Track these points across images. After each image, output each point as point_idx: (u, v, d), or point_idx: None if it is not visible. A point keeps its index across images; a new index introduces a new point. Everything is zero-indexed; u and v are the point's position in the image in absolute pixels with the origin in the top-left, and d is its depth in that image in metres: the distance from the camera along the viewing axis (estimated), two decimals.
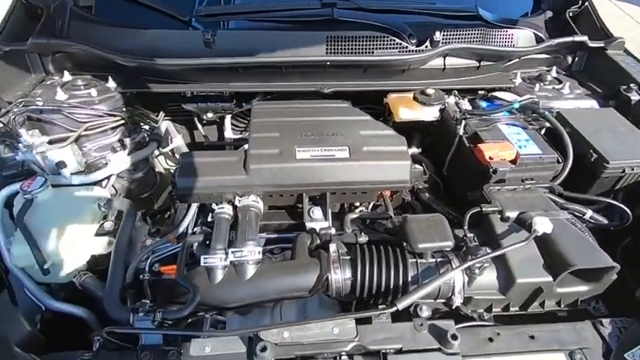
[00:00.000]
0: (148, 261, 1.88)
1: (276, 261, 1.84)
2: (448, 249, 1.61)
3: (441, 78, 2.42)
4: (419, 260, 1.53)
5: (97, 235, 1.79)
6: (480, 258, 1.52)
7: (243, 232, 1.68)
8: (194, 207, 2.02)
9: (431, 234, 1.53)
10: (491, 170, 1.93)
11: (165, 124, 2.61)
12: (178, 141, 2.83)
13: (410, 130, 2.29)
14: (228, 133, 2.74)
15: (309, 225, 1.86)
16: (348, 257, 1.65)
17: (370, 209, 2.08)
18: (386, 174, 1.84)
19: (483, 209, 1.75)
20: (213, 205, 1.86)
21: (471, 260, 1.53)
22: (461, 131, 2.17)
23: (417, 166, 2.01)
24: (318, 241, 1.77)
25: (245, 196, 1.84)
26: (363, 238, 1.78)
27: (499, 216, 1.79)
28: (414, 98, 2.32)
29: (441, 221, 1.56)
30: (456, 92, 2.44)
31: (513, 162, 2.01)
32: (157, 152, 2.38)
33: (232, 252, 1.65)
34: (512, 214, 1.78)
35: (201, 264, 1.64)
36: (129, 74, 2.12)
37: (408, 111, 2.34)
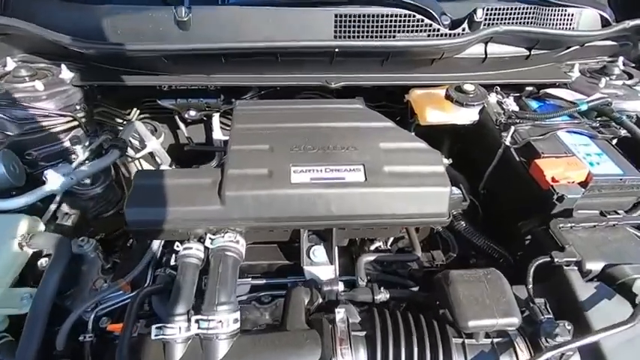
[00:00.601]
0: (94, 314, 1.35)
1: (265, 313, 1.32)
2: (512, 328, 1.06)
3: (479, 70, 1.85)
4: (466, 341, 0.98)
5: (13, 286, 1.26)
6: (562, 347, 0.96)
7: (215, 292, 1.14)
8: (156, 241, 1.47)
9: (486, 305, 0.99)
10: (555, 197, 1.37)
11: (134, 126, 2.06)
12: (153, 145, 2.28)
13: (435, 135, 1.73)
14: (217, 134, 2.22)
15: (308, 270, 1.32)
16: (363, 333, 1.10)
17: (390, 244, 1.53)
18: (417, 205, 1.30)
19: (556, 259, 1.19)
20: (177, 245, 1.31)
21: (548, 350, 0.98)
22: (508, 140, 1.60)
23: (455, 189, 1.44)
24: (320, 300, 1.22)
25: (220, 233, 1.29)
26: (383, 296, 1.23)
27: (575, 268, 1.22)
28: (447, 96, 1.75)
29: (500, 284, 1.02)
30: (498, 89, 1.85)
31: (583, 185, 1.44)
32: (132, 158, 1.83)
33: (197, 321, 1.12)
34: (596, 267, 1.23)
35: (153, 336, 1.10)
36: (88, 62, 1.74)
37: (437, 112, 1.77)
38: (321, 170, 1.35)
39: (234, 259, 1.30)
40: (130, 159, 2.25)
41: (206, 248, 1.33)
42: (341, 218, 1.34)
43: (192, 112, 2.19)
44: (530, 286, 1.17)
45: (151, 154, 2.28)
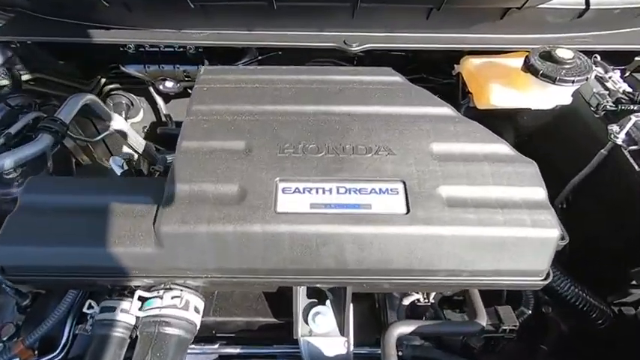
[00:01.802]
0: None
1: None
2: None
3: (572, 30, 1.18)
4: None
5: None
6: None
7: None
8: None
9: None
10: None
11: (82, 99, 1.45)
12: (119, 124, 1.66)
13: (486, 122, 1.04)
14: None
15: (306, 342, 0.75)
16: None
17: (432, 299, 0.92)
18: (497, 258, 0.72)
19: None
20: (90, 305, 0.73)
21: None
22: (621, 137, 0.96)
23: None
24: None
25: (158, 289, 0.70)
26: None
27: None
28: (528, 67, 1.10)
29: None
30: (598, 58, 1.19)
31: None
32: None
33: None
34: None
35: None
36: (18, 10, 1.31)
37: (507, 91, 1.13)
38: (329, 190, 0.74)
39: (177, 339, 0.72)
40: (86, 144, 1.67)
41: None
42: (362, 273, 0.74)
43: (169, 84, 1.65)
44: None
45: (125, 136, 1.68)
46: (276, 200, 0.74)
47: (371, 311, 1.01)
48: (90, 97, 1.49)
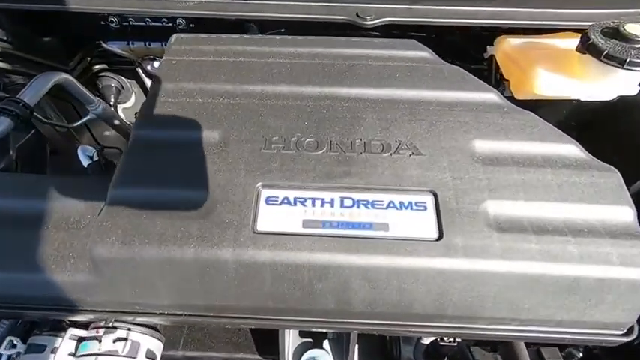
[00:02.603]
0: None
1: None
2: None
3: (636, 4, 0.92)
4: None
5: None
6: None
7: None
8: None
9: None
10: None
11: (54, 78, 1.23)
12: (102, 108, 1.45)
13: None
14: None
15: None
16: None
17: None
18: (568, 306, 0.46)
19: None
20: (4, 347, 0.51)
21: None
22: None
23: None
24: None
25: (95, 328, 0.48)
26: None
27: None
28: (587, 45, 0.84)
29: None
30: None
31: None
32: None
33: None
34: None
35: None
36: None
37: (560, 77, 0.87)
38: (330, 202, 0.52)
39: None
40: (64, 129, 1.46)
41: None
42: (374, 316, 0.52)
43: (158, 64, 1.38)
44: None
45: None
46: (256, 215, 0.52)
47: (380, 346, 0.80)
48: (63, 77, 1.27)
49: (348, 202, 0.54)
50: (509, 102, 0.65)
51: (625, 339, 0.54)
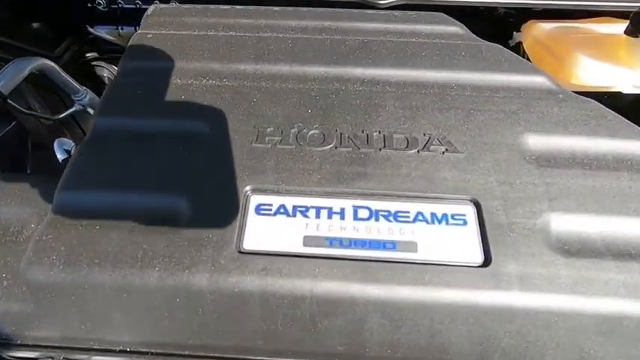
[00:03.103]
0: None
1: None
2: None
3: None
4: None
5: None
6: None
7: None
8: None
9: None
10: None
11: (31, 65, 1.11)
12: (90, 98, 1.32)
13: None
14: None
15: None
16: None
17: None
18: None
19: None
20: None
21: None
22: None
23: None
24: None
25: None
26: None
27: None
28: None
29: None
30: None
31: None
32: None
33: None
34: None
35: None
36: None
37: (605, 66, 0.72)
38: (340, 212, 0.38)
39: None
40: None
41: None
42: None
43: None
44: None
45: None
46: (243, 228, 0.39)
47: None
48: (42, 62, 1.15)
49: (363, 213, 0.41)
50: (564, 88, 0.52)
51: None
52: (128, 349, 0.43)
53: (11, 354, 0.45)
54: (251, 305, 0.38)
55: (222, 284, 0.37)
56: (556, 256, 0.38)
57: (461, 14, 0.96)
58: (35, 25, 1.23)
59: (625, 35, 0.79)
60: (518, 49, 0.98)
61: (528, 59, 0.94)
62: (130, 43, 0.56)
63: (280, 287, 0.37)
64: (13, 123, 1.22)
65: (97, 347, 0.43)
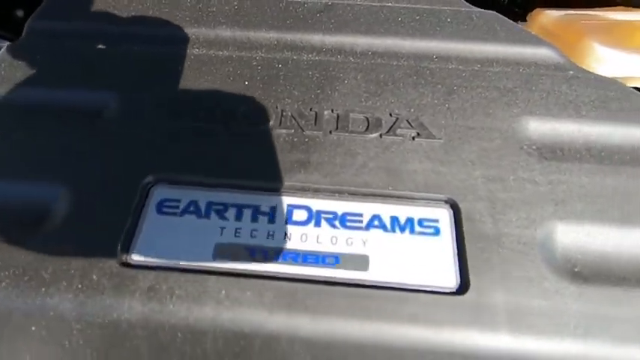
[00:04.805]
0: None
1: None
2: None
3: None
4: None
5: None
6: None
7: None
8: None
9: None
10: None
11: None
12: None
13: None
14: None
15: None
16: None
17: None
18: None
19: None
20: None
21: None
22: None
23: None
24: None
25: None
26: None
27: None
28: None
29: None
30: None
31: None
32: None
33: None
34: None
35: None
36: None
37: (620, 54, 0.61)
38: (268, 212, 0.27)
39: None
40: None
41: None
42: None
43: None
44: None
45: None
46: (136, 232, 0.29)
47: None
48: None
49: (300, 215, 0.30)
50: (571, 62, 0.41)
51: None
52: None
53: None
54: (131, 340, 0.27)
55: (90, 309, 0.27)
56: (562, 281, 0.27)
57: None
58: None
59: None
60: None
61: None
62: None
63: (171, 315, 0.26)
64: None
65: None
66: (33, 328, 0.28)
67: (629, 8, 0.75)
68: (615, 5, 0.79)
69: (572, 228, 0.29)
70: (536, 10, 0.83)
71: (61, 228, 0.29)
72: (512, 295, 0.27)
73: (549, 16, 0.80)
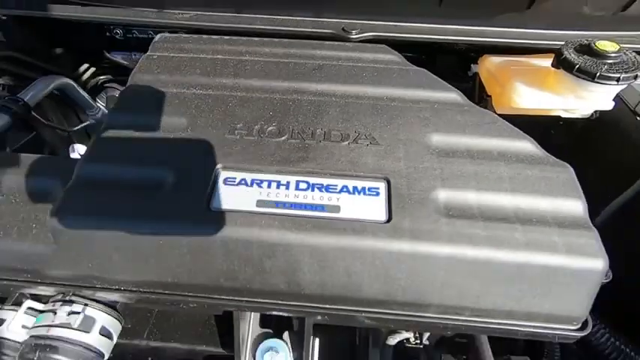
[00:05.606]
0: None
1: None
2: None
3: (612, 27, 0.95)
4: None
5: None
6: None
7: None
8: None
9: None
10: None
11: (55, 82, 1.29)
12: (102, 114, 1.50)
13: None
14: None
15: None
16: None
17: (425, 340, 0.68)
18: (517, 295, 0.45)
19: None
20: None
21: None
22: None
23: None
24: None
25: (56, 299, 0.49)
26: None
27: None
28: (561, 60, 0.87)
29: None
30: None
31: None
32: None
33: None
34: None
35: None
36: None
37: (536, 91, 0.89)
38: (286, 184, 0.53)
39: None
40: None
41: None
42: (324, 300, 0.52)
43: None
44: None
45: None
46: (213, 194, 0.54)
47: (349, 349, 0.79)
48: (64, 81, 1.33)
49: (302, 185, 0.55)
50: (470, 102, 0.67)
51: (578, 334, 0.53)
52: (122, 288, 0.57)
53: (32, 291, 0.59)
54: (215, 249, 0.51)
55: (193, 232, 0.51)
56: (440, 217, 0.52)
57: (428, 49, 1.13)
58: (59, 50, 1.42)
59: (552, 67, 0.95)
60: (475, 78, 1.15)
61: (483, 86, 1.11)
62: (139, 62, 0.73)
63: (236, 234, 0.51)
64: (33, 133, 1.39)
65: (99, 286, 0.57)
66: (161, 243, 0.52)
67: (551, 55, 1.02)
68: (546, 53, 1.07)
69: (450, 192, 0.54)
70: (484, 56, 1.10)
71: (171, 192, 0.54)
72: (414, 223, 0.51)
73: (492, 61, 1.08)
